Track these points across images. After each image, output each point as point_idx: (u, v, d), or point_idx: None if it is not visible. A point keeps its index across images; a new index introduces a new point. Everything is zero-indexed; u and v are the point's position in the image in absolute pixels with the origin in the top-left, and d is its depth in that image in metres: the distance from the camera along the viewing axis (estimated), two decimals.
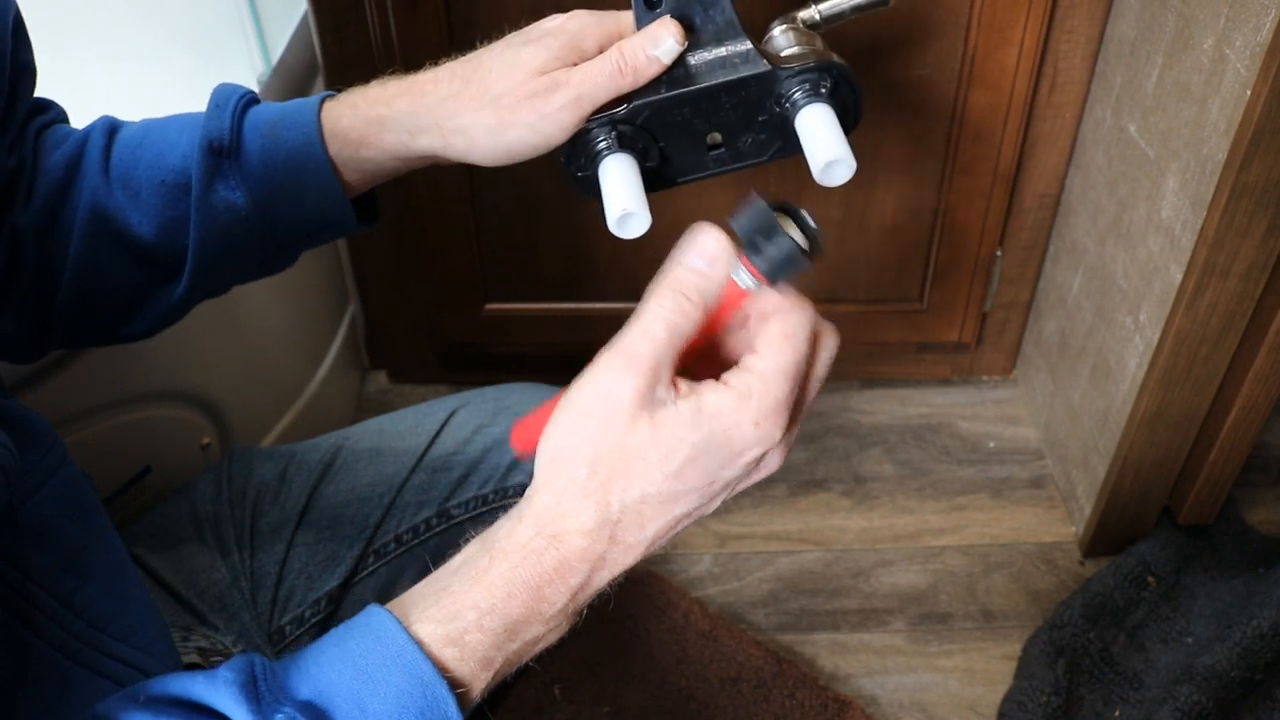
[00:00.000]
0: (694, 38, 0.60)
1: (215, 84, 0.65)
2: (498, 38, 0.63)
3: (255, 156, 0.62)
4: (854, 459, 1.38)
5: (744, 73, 0.59)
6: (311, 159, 0.61)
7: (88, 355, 0.89)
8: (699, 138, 0.61)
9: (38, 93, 0.66)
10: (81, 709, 0.53)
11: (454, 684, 0.44)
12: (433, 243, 1.28)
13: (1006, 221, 1.29)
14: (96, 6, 1.08)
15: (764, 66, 0.59)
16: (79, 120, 0.68)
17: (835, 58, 0.60)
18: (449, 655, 0.45)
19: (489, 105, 0.59)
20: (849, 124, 0.61)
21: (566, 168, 0.61)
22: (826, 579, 1.24)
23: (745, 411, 0.45)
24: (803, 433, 1.41)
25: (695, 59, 0.60)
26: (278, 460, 0.90)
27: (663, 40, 0.58)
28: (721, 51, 0.60)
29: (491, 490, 0.89)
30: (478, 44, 0.63)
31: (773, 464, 0.48)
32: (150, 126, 0.65)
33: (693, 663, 1.12)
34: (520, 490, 0.87)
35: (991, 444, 1.40)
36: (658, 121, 0.60)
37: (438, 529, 0.87)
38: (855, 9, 0.65)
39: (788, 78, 0.59)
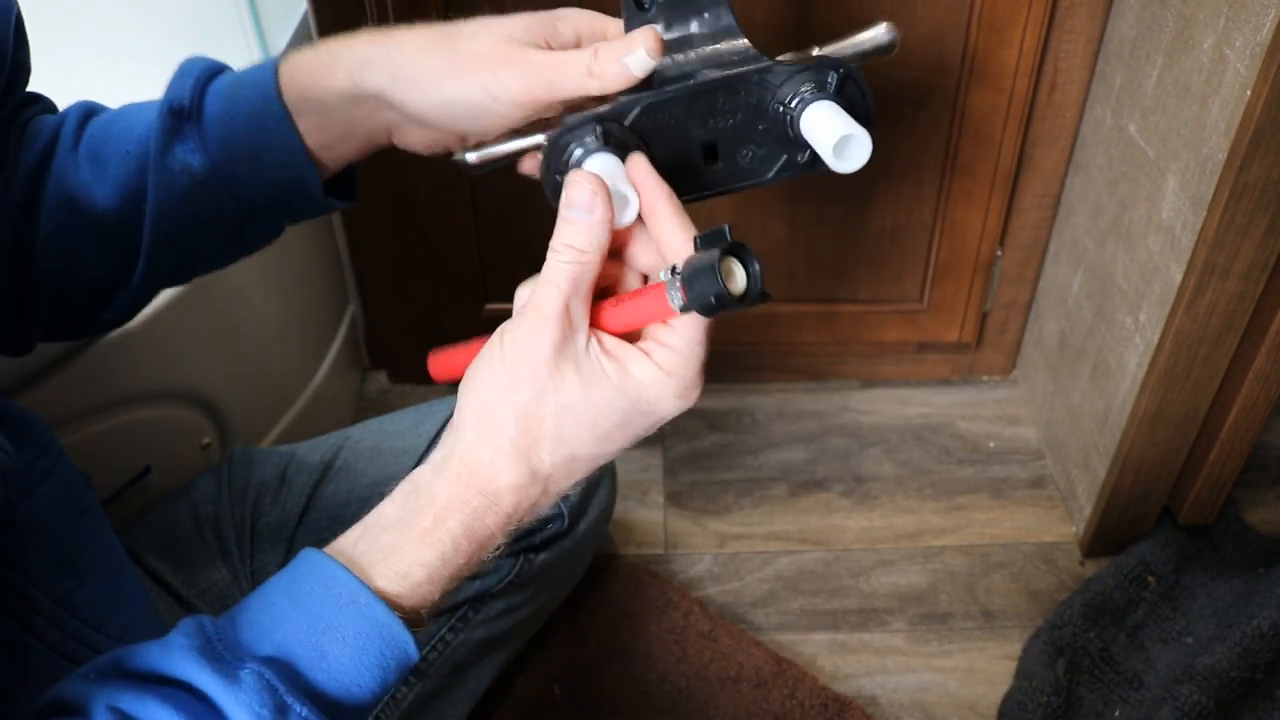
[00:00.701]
0: (689, 40, 0.56)
1: None
2: None
3: (215, 119, 0.59)
4: (854, 459, 1.38)
5: (742, 69, 0.55)
6: (270, 115, 0.58)
7: (87, 355, 0.89)
8: (694, 149, 0.56)
9: (37, 90, 0.66)
10: None
11: (407, 623, 0.48)
12: (433, 242, 1.28)
13: (1006, 221, 1.29)
14: (96, 6, 1.08)
15: (764, 61, 0.55)
16: None
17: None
18: (402, 603, 0.48)
19: (446, 54, 0.56)
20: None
21: (547, 174, 0.56)
22: (826, 579, 1.24)
23: (670, 385, 0.49)
24: (803, 432, 1.41)
25: (691, 60, 0.56)
26: (278, 460, 0.90)
27: (634, 48, 0.53)
28: (719, 51, 0.56)
29: None
30: None
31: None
32: (127, 107, 0.63)
33: (693, 663, 1.12)
34: None
35: (991, 444, 1.40)
36: (649, 123, 0.55)
37: None
38: (859, 56, 0.60)
39: (790, 75, 0.55)
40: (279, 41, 1.13)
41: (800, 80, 0.55)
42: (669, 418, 0.51)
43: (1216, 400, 1.09)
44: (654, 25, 0.55)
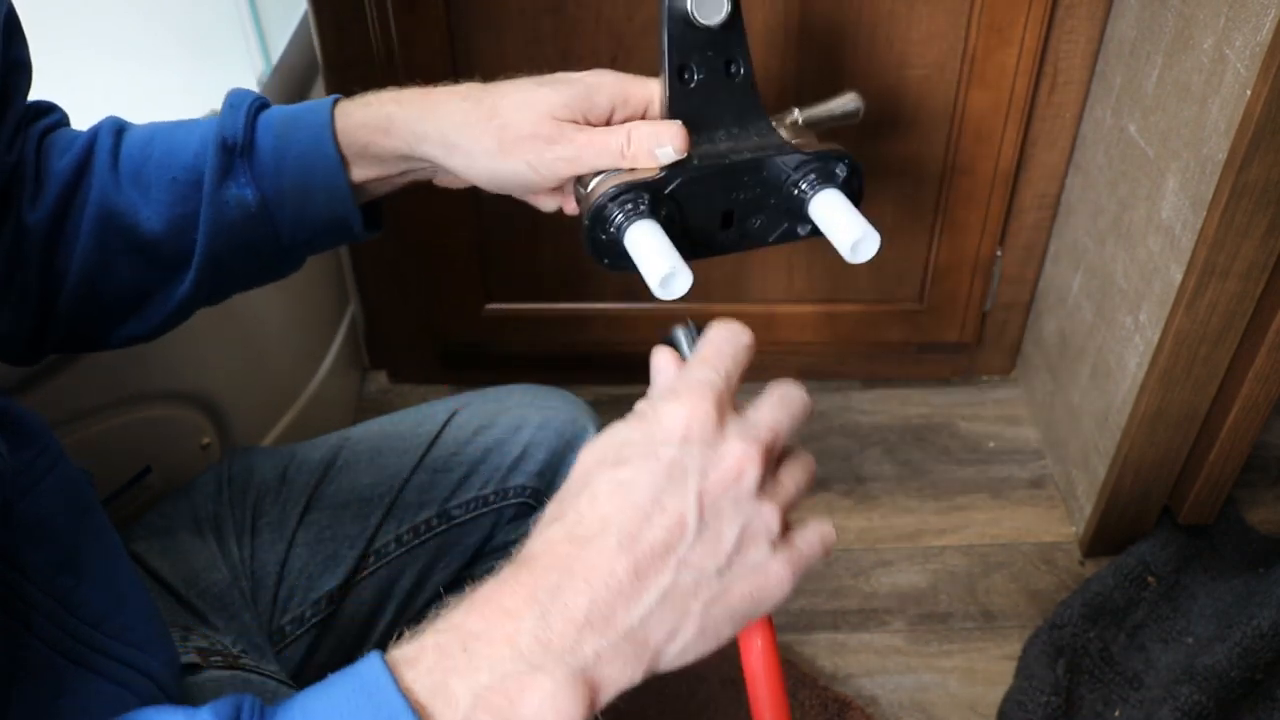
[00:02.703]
0: (720, 117, 0.63)
1: (216, 85, 0.65)
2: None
3: (268, 154, 0.63)
4: (854, 459, 1.38)
5: (766, 152, 0.62)
6: (322, 156, 0.63)
7: (88, 355, 0.89)
8: (716, 215, 0.64)
9: (41, 95, 0.66)
10: (77, 709, 0.52)
11: None
12: (433, 243, 1.28)
13: (1006, 221, 1.29)
14: (96, 6, 1.08)
15: (790, 149, 0.62)
16: (81, 120, 0.68)
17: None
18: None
19: (494, 132, 0.61)
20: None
21: (590, 231, 0.62)
22: (826, 579, 1.24)
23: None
24: (803, 433, 1.41)
25: (722, 135, 0.63)
26: (278, 460, 0.90)
27: (664, 143, 0.60)
28: (749, 131, 0.63)
29: (492, 491, 0.89)
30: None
31: None
32: (157, 127, 0.66)
33: (693, 663, 1.12)
34: (520, 491, 0.87)
35: (991, 444, 1.40)
36: (685, 192, 0.62)
37: (438, 529, 0.87)
38: (832, 119, 0.68)
39: (804, 161, 0.62)
40: (279, 41, 1.12)
41: (813, 167, 0.62)
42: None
43: (1216, 400, 1.09)
44: (679, 124, 0.61)
